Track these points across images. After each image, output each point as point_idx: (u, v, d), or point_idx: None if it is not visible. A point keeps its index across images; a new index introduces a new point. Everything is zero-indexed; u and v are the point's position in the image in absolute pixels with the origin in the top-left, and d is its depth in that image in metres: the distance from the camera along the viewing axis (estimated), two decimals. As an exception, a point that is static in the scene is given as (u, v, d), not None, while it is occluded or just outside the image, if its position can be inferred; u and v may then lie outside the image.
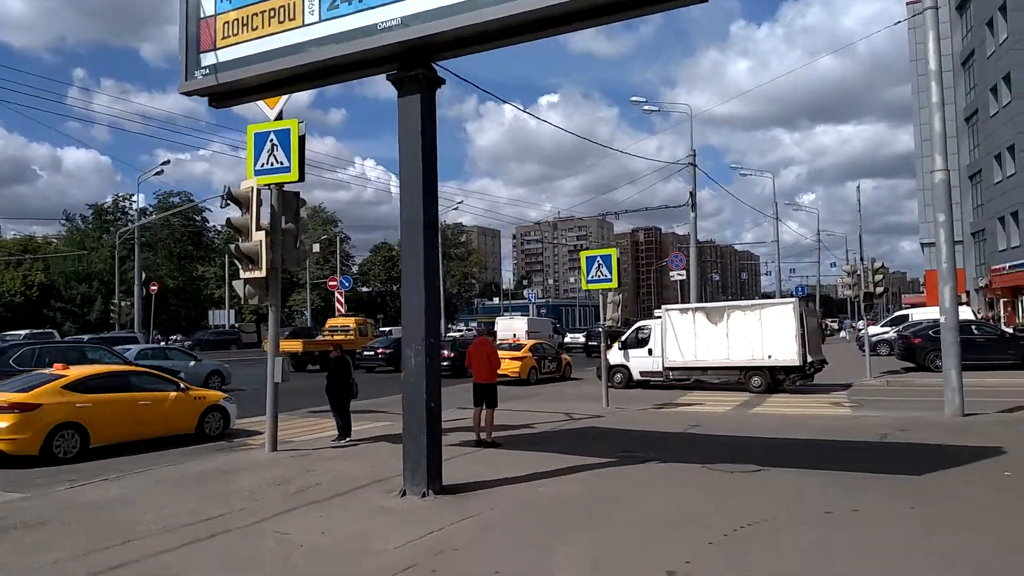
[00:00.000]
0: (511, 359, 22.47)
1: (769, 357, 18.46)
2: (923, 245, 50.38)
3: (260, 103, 10.68)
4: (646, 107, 30.40)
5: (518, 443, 11.05)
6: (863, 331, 24.71)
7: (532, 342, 25.67)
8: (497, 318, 48.82)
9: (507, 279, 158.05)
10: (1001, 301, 39.53)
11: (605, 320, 16.43)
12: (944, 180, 13.73)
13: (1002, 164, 36.70)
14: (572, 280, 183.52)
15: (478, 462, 9.53)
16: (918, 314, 31.92)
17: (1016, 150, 34.55)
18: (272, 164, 10.14)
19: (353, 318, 31.92)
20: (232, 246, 10.86)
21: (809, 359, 18.40)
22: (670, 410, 16.07)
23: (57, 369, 11.44)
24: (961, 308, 29.22)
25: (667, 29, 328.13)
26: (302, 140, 10.12)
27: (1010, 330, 26.40)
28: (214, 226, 72.36)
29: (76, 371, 11.34)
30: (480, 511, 7.01)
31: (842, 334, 62.14)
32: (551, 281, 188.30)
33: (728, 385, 19.91)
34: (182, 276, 67.50)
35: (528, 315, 50.85)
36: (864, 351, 23.35)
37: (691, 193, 29.47)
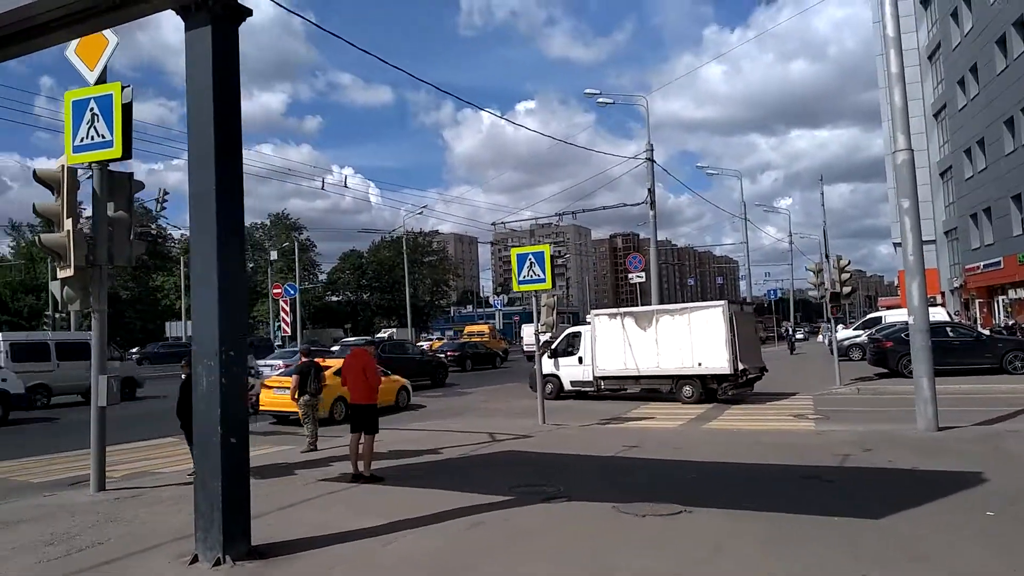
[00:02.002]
0: None
1: (699, 365, 17.12)
2: (896, 245, 49.09)
3: (77, 61, 8.74)
4: (601, 99, 28.72)
5: (407, 476, 9.16)
6: (830, 335, 23.10)
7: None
8: (524, 325, 45.96)
9: (486, 287, 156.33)
10: (977, 302, 38.19)
11: (539, 326, 14.63)
12: (908, 161, 12.08)
13: (972, 159, 35.41)
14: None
15: (336, 504, 7.65)
16: (891, 316, 30.38)
17: (986, 143, 33.28)
18: (92, 139, 8.21)
19: (486, 325, 30.53)
20: (37, 238, 8.93)
21: (742, 367, 16.96)
22: (614, 426, 14.28)
23: None
24: (936, 309, 27.98)
25: (641, 35, 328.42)
26: (127, 108, 8.16)
27: (986, 332, 24.89)
28: (171, 234, 69.95)
29: None
30: (286, 587, 5.16)
31: (820, 338, 60.91)
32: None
33: (655, 396, 18.28)
34: (138, 287, 64.93)
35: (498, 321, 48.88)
36: (835, 357, 21.68)
37: (649, 190, 27.80)
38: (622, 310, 19.35)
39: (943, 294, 41.47)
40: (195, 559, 5.57)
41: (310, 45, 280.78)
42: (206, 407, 5.59)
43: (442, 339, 48.35)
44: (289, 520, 6.98)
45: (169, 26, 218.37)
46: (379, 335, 64.37)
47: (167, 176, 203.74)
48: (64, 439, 13.90)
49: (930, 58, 42.28)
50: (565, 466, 9.81)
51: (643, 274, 27.66)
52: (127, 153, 8.18)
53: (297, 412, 12.82)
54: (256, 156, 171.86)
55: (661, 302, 26.81)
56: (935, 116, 42.13)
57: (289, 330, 33.07)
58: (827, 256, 24.69)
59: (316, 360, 12.08)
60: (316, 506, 7.54)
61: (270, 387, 16.44)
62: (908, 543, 5.73)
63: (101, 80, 8.74)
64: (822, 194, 40.07)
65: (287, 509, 7.47)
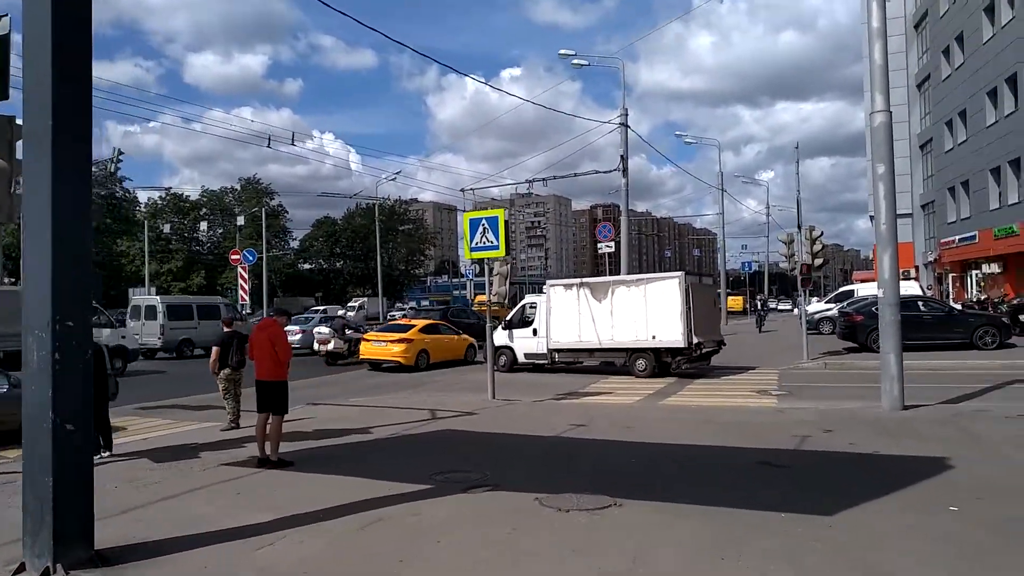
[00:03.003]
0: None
1: (653, 338, 16.59)
2: (872, 218, 48.68)
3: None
4: (575, 60, 27.58)
5: (322, 460, 8.30)
6: (799, 308, 22.50)
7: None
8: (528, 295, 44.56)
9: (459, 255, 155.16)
10: (950, 276, 37.86)
11: (490, 295, 13.77)
12: (885, 124, 11.25)
13: (953, 131, 34.77)
14: (523, 257, 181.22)
15: (225, 495, 6.78)
16: (864, 290, 29.87)
17: (967, 115, 32.63)
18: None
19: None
20: None
21: (696, 340, 16.41)
22: (568, 403, 13.52)
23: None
24: (908, 283, 27.40)
25: (631, 1, 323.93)
26: (3, 41, 7.14)
27: (959, 306, 24.41)
28: (136, 198, 68.04)
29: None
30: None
31: (795, 311, 60.66)
32: (513, 256, 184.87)
33: (615, 369, 17.73)
34: (101, 251, 63.09)
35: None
36: (803, 330, 21.03)
37: (622, 156, 26.85)
38: (578, 280, 18.69)
39: (917, 268, 41.12)
40: (21, 567, 4.69)
41: (291, 5, 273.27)
42: (37, 388, 4.67)
43: (417, 309, 47.28)
44: (165, 514, 6.11)
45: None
46: (350, 304, 63.22)
47: (144, 139, 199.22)
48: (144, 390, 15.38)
49: (916, 27, 41.42)
50: (501, 448, 9.02)
51: (612, 244, 26.82)
52: (3, 93, 7.16)
53: (392, 359, 20.02)
54: (236, 119, 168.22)
55: (631, 273, 26.06)
56: (918, 87, 41.39)
57: (247, 297, 31.89)
58: (800, 227, 23.99)
59: (239, 331, 11.13)
60: (202, 497, 6.66)
61: (368, 340, 21.20)
62: (860, 551, 4.97)
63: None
64: (797, 162, 39.29)
65: (169, 500, 6.60)
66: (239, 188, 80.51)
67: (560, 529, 5.57)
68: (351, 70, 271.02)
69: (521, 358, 18.99)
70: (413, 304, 66.15)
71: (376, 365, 20.75)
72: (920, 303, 21.50)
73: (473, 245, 13.54)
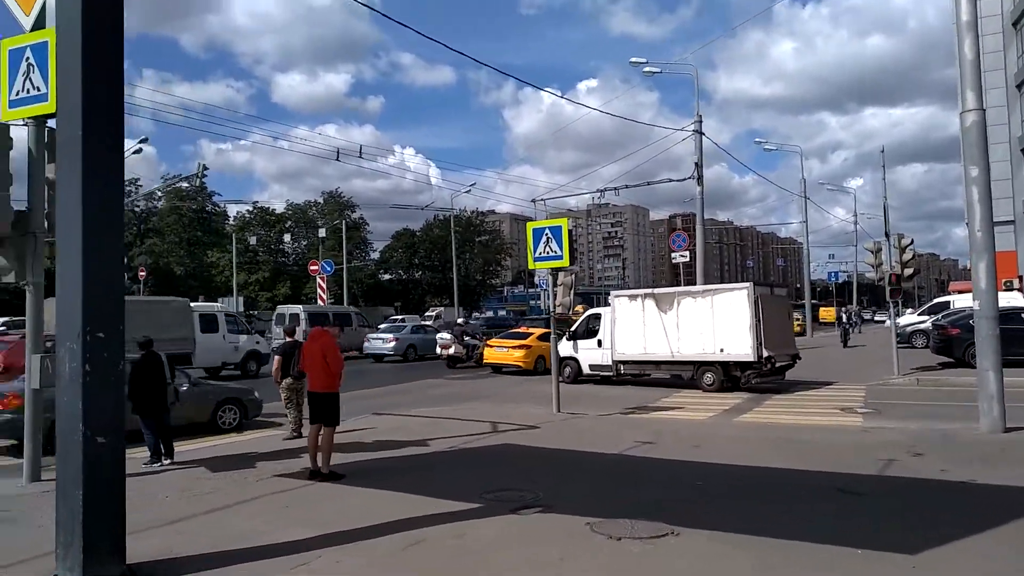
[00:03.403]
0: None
1: (721, 351, 16.07)
2: (968, 225, 45.70)
3: (11, 4, 7.83)
4: (646, 68, 26.97)
5: (374, 473, 8.12)
6: (889, 321, 21.16)
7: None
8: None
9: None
10: (1061, 287, 35.10)
11: (555, 306, 13.42)
12: (978, 123, 10.39)
13: (1060, 132, 32.32)
14: (600, 267, 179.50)
15: (271, 509, 6.66)
16: (960, 301, 27.99)
17: (1078, 113, 30.27)
18: (28, 92, 7.30)
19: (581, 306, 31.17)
20: None
21: (767, 354, 15.77)
22: (636, 417, 13.03)
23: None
24: (1012, 295, 25.54)
25: (708, 10, 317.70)
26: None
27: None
28: (225, 211, 70.75)
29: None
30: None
31: (887, 323, 57.63)
32: (587, 267, 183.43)
33: (683, 383, 17.17)
34: (193, 262, 65.84)
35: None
36: (893, 344, 19.76)
37: (696, 164, 26.05)
38: (643, 291, 18.35)
39: (1022, 278, 38.36)
40: (54, 581, 4.64)
41: (373, 24, 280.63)
42: (68, 400, 4.62)
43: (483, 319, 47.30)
44: (207, 528, 6.03)
45: (239, 9, 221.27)
46: (427, 313, 63.89)
47: (236, 156, 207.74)
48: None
49: (1015, 24, 38.79)
50: (559, 465, 8.64)
51: (687, 253, 26.01)
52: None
53: (513, 364, 21.70)
54: (319, 137, 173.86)
55: (709, 283, 25.21)
56: (1018, 88, 38.72)
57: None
58: (888, 235, 22.62)
59: (300, 341, 11.15)
60: (249, 509, 6.57)
61: (491, 346, 22.93)
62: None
63: (39, 26, 7.85)
64: (883, 167, 37.03)
65: (216, 512, 6.53)
66: (322, 202, 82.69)
67: (608, 558, 5.18)
68: (430, 86, 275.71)
69: (586, 369, 18.74)
70: (490, 313, 66.75)
71: (498, 369, 22.58)
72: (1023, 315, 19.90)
73: (537, 255, 13.24)
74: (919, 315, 28.93)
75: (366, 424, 11.80)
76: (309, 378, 7.95)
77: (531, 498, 6.86)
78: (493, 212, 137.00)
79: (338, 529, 5.86)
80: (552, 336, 13.56)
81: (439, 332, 27.67)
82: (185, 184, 63.89)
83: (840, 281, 62.50)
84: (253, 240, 66.99)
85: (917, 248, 19.10)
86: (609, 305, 18.36)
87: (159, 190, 60.61)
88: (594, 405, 14.20)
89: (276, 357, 10.75)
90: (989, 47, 28.86)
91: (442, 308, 64.35)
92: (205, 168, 38.56)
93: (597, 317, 18.95)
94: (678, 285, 24.51)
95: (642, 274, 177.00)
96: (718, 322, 16.13)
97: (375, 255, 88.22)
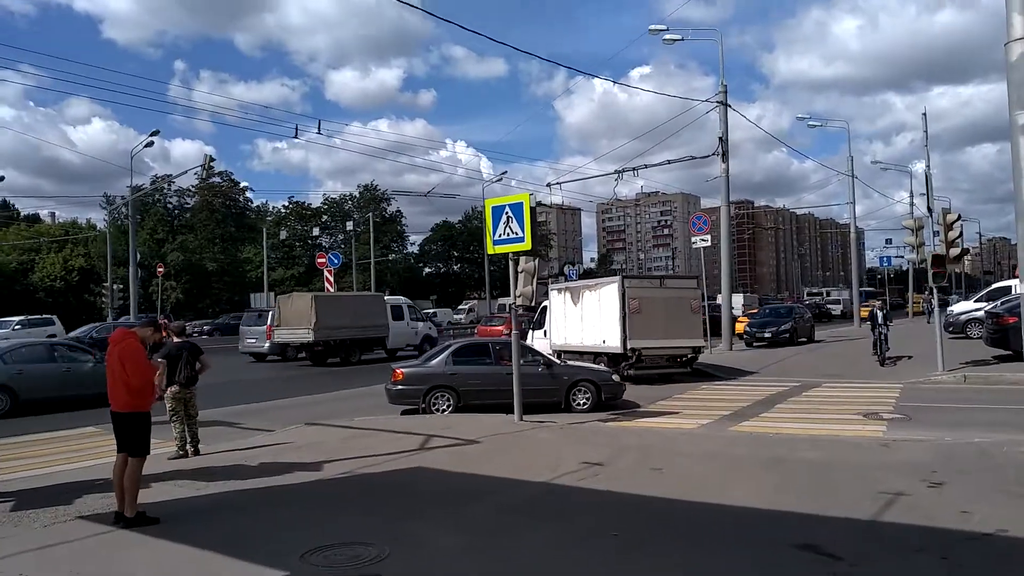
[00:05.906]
0: None
1: (604, 342, 16.51)
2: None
3: None
4: (667, 36, 24.61)
5: (204, 514, 6.23)
6: (933, 309, 18.53)
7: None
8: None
9: (588, 258, 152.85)
10: None
11: (515, 296, 11.49)
12: (1026, 52, 8.09)
13: None
14: (649, 257, 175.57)
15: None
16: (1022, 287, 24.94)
17: None
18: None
19: None
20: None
21: (632, 346, 15.78)
22: (613, 426, 11.06)
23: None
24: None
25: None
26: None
27: None
28: (257, 206, 70.49)
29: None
30: None
31: (951, 308, 53.59)
32: (637, 257, 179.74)
33: (701, 379, 16.88)
34: (226, 258, 65.65)
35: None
36: (938, 334, 17.17)
37: (720, 138, 23.72)
38: (563, 285, 19.18)
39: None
40: None
41: (425, 17, 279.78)
42: None
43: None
44: None
45: (292, 7, 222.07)
46: (460, 307, 62.40)
47: (290, 155, 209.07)
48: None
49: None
50: (459, 500, 6.73)
51: (708, 237, 23.66)
52: None
53: None
54: (372, 133, 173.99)
55: (734, 271, 23.01)
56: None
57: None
58: (930, 211, 19.99)
59: (192, 342, 9.46)
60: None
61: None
62: None
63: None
64: (925, 133, 33.36)
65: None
66: (357, 195, 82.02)
67: None
68: (481, 79, 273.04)
69: None
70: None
71: None
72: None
73: (496, 238, 11.27)
74: (974, 302, 25.87)
75: (284, 438, 10.08)
76: (109, 395, 6.10)
77: (368, 560, 5.00)
78: (540, 204, 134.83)
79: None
80: (514, 333, 11.55)
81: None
82: (218, 180, 63.72)
83: (898, 268, 58.69)
84: (283, 235, 66.50)
85: (987, 232, 16.60)
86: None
87: (158, 187, 59.79)
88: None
89: (160, 361, 8.97)
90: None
91: (475, 301, 62.77)
92: (211, 160, 37.38)
93: (546, 308, 19.30)
94: (698, 273, 22.46)
95: (692, 263, 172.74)
96: (603, 314, 16.53)
97: (414, 248, 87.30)
